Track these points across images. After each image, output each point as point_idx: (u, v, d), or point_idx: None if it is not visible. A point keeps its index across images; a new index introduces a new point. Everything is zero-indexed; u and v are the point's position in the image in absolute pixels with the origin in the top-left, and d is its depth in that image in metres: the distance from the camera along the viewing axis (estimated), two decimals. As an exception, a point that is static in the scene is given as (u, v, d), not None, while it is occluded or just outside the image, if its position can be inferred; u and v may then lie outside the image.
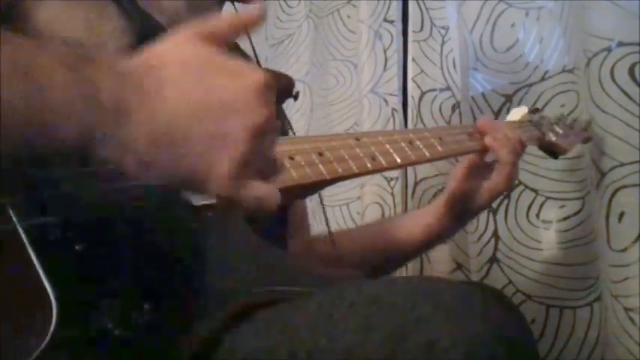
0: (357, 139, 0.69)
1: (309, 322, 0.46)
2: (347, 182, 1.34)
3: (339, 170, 0.65)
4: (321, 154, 0.65)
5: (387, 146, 0.71)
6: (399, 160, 0.71)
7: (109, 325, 0.42)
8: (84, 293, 0.43)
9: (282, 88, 0.73)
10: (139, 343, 0.44)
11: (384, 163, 0.69)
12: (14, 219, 0.42)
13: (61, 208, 0.45)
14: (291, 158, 0.63)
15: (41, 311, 0.40)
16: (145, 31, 0.67)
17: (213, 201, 0.54)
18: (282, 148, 0.62)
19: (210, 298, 0.50)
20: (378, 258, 0.89)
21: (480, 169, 0.84)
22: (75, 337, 0.41)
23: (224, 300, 0.50)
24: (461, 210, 0.86)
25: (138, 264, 0.47)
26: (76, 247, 0.44)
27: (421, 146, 0.75)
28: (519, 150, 0.84)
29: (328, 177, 0.63)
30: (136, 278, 0.47)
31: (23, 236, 0.42)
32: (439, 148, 0.77)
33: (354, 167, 0.66)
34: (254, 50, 0.90)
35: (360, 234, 0.97)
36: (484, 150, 0.83)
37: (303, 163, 0.63)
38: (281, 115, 0.81)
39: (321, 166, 0.64)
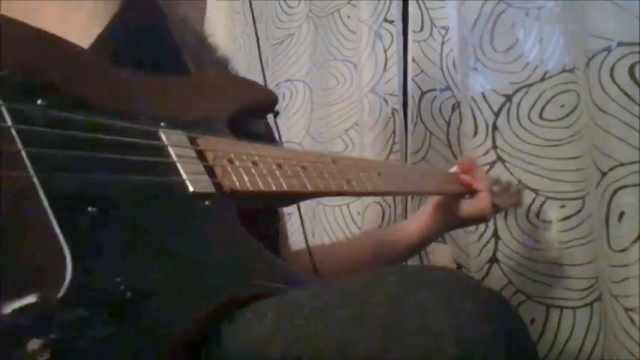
0: (334, 162, 0.74)
1: (304, 310, 0.46)
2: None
3: (320, 186, 0.69)
4: (304, 168, 0.69)
5: (361, 174, 0.77)
6: (370, 188, 0.78)
7: (121, 287, 0.43)
8: (97, 253, 0.45)
9: (264, 103, 0.76)
10: (146, 313, 0.45)
11: (357, 187, 0.75)
12: (30, 169, 0.45)
13: (77, 170, 0.48)
14: (279, 166, 0.66)
15: (54, 266, 0.41)
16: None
17: (212, 190, 0.57)
18: (271, 154, 0.66)
19: (206, 283, 0.51)
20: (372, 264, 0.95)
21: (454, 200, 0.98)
22: (89, 293, 0.42)
23: (218, 289, 0.51)
24: (442, 222, 0.98)
25: (140, 241, 0.49)
26: (89, 209, 0.46)
27: (389, 179, 0.83)
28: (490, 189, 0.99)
29: (311, 189, 0.68)
30: (140, 254, 0.48)
31: (40, 189, 0.44)
32: (403, 184, 0.87)
33: (333, 186, 0.71)
34: (259, 49, 0.92)
35: (356, 244, 1.02)
36: (456, 194, 0.97)
37: (289, 173, 0.66)
38: (263, 127, 0.83)
39: (305, 179, 0.67)
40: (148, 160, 0.54)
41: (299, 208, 0.90)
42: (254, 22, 0.98)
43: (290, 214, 1.44)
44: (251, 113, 0.74)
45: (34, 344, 0.37)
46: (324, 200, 1.36)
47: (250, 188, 0.61)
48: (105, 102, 0.56)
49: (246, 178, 0.61)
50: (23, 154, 0.45)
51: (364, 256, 0.96)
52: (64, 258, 0.42)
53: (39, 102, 0.49)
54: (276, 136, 0.85)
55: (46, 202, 0.44)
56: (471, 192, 0.98)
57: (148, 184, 0.52)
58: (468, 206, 0.97)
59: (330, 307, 0.45)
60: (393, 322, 0.42)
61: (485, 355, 0.40)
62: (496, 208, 1.00)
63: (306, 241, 0.88)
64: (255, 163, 0.63)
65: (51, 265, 0.42)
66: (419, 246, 1.01)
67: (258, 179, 0.62)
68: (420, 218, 1.00)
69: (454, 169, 1.01)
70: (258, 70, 1.61)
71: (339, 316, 0.44)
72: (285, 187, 0.64)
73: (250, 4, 0.93)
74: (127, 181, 0.50)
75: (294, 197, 0.72)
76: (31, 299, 0.37)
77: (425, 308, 0.42)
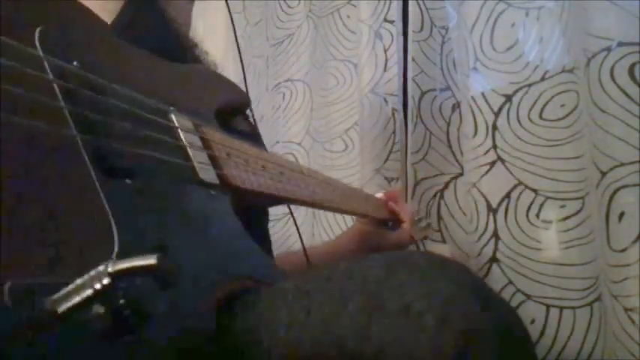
0: (303, 173, 0.79)
1: (287, 298, 0.47)
2: (347, 183, 1.34)
3: (297, 193, 0.73)
4: (281, 174, 0.71)
5: (322, 187, 0.82)
6: (333, 203, 0.84)
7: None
8: (135, 222, 0.45)
9: (237, 104, 0.79)
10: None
11: (320, 199, 0.80)
12: (77, 134, 0.44)
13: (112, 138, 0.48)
14: (264, 168, 0.68)
15: (102, 228, 0.42)
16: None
17: (216, 182, 0.58)
18: (255, 154, 0.68)
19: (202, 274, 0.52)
20: None
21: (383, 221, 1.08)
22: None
23: (211, 280, 0.52)
24: (369, 245, 1.06)
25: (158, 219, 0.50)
26: (127, 181, 0.47)
27: (340, 196, 0.89)
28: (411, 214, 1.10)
29: (288, 196, 0.72)
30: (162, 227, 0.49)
31: (85, 155, 0.44)
32: (349, 202, 0.93)
33: (305, 195, 0.75)
34: (240, 52, 0.94)
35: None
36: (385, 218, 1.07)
37: (273, 177, 0.69)
38: (244, 123, 0.85)
39: (285, 185, 0.70)
40: (164, 139, 0.55)
41: (291, 212, 0.93)
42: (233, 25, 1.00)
43: (288, 214, 1.44)
44: (230, 110, 0.76)
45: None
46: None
47: (246, 186, 0.62)
48: (124, 76, 0.56)
49: (242, 175, 0.62)
50: (65, 112, 0.45)
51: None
52: (110, 226, 0.42)
53: (75, 63, 0.49)
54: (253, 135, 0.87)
55: (91, 170, 0.44)
56: (395, 221, 1.08)
57: (163, 162, 0.53)
58: (392, 236, 1.07)
59: (314, 293, 0.46)
60: (373, 303, 0.42)
61: (465, 330, 0.40)
62: (411, 239, 1.09)
63: (302, 242, 0.90)
64: (246, 161, 0.65)
65: (98, 232, 0.42)
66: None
67: (251, 178, 0.64)
68: (338, 240, 1.10)
69: (379, 195, 1.10)
70: (259, 70, 1.61)
71: (322, 300, 0.45)
72: (272, 190, 0.67)
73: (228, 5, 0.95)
74: (147, 157, 0.51)
75: (272, 201, 0.76)
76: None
77: (405, 289, 0.42)
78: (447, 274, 0.44)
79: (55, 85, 0.45)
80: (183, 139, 0.57)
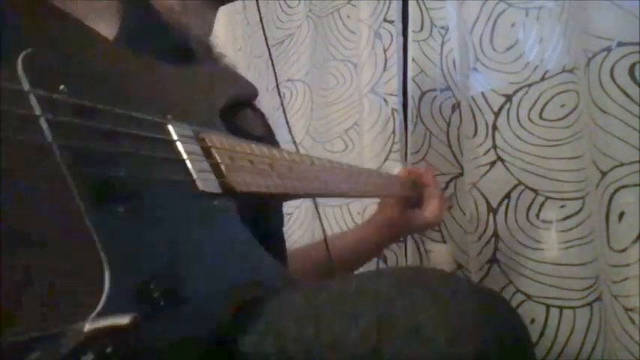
0: (313, 164, 0.76)
1: (296, 313, 0.47)
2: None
3: (307, 188, 0.71)
4: (291, 169, 0.70)
5: (335, 176, 0.80)
6: (345, 190, 0.82)
7: (155, 294, 0.43)
8: (129, 254, 0.44)
9: (244, 97, 0.77)
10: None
11: (332, 189, 0.78)
12: (64, 167, 0.43)
13: (102, 164, 0.46)
14: (271, 166, 0.66)
15: (92, 266, 0.40)
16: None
17: (218, 190, 0.57)
18: (262, 152, 0.66)
19: (217, 284, 0.51)
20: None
21: (406, 201, 1.05)
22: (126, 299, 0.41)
23: (221, 292, 0.51)
24: (399, 231, 1.05)
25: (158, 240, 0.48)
26: (119, 209, 0.45)
27: (355, 182, 0.87)
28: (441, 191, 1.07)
29: (302, 192, 0.71)
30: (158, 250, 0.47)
31: (73, 187, 0.42)
32: (366, 187, 0.90)
33: (315, 187, 0.74)
34: (268, 47, 0.92)
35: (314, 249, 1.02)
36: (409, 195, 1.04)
37: (281, 175, 0.67)
38: (252, 115, 0.83)
39: (294, 181, 0.69)
40: (160, 156, 0.53)
41: (316, 208, 0.91)
42: (261, 20, 0.97)
43: (290, 214, 1.44)
44: (236, 105, 0.74)
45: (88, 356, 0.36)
46: (324, 200, 1.36)
47: (251, 189, 0.61)
48: (118, 90, 0.55)
49: (247, 179, 0.61)
50: (54, 147, 0.43)
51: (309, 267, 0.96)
52: (100, 264, 0.40)
53: (61, 87, 0.47)
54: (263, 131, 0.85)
55: (80, 202, 0.42)
56: (420, 196, 1.04)
57: (159, 181, 0.51)
58: (420, 216, 1.03)
59: (324, 308, 0.45)
60: (384, 322, 0.42)
61: (476, 352, 0.40)
62: (441, 214, 1.06)
63: (325, 236, 0.89)
64: (251, 162, 0.63)
65: (87, 271, 0.40)
66: (358, 257, 1.04)
67: (257, 180, 0.62)
68: (363, 230, 1.05)
69: (398, 171, 1.08)
70: (260, 70, 1.61)
71: (332, 316, 0.44)
72: (280, 189, 0.65)
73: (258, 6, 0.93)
74: (142, 178, 0.50)
75: (283, 198, 0.74)
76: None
77: (416, 309, 0.42)
78: (458, 293, 0.43)
79: (42, 119, 0.43)
80: (182, 152, 0.55)
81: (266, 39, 0.94)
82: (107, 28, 0.66)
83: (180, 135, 0.57)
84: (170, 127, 0.56)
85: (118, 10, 0.69)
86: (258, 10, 0.93)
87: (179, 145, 0.56)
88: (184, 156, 0.55)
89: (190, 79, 0.68)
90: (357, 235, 1.06)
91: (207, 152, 0.58)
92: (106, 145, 0.48)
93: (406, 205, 1.05)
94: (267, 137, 0.84)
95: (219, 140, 0.61)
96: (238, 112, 0.76)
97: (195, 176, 0.55)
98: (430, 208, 1.04)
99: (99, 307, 0.38)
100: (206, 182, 0.56)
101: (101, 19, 0.67)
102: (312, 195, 0.76)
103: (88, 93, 0.49)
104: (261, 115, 0.85)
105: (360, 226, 1.10)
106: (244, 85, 0.78)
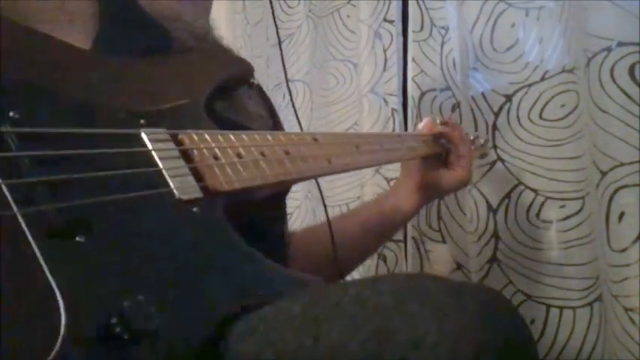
0: (315, 140, 0.72)
1: (294, 323, 0.46)
2: (347, 182, 1.34)
3: (304, 170, 0.67)
4: (287, 153, 0.65)
5: (341, 149, 0.75)
6: (351, 164, 0.77)
7: (117, 329, 0.41)
8: (90, 289, 0.42)
9: (241, 74, 0.74)
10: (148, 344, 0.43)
11: (338, 166, 0.72)
12: (14, 206, 0.41)
13: (59, 196, 0.44)
14: (263, 155, 0.62)
15: (47, 309, 0.39)
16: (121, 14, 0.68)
17: (199, 195, 0.53)
18: (253, 142, 0.62)
19: (198, 299, 0.49)
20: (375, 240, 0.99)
21: (432, 161, 0.98)
22: (86, 338, 0.40)
23: (209, 303, 0.49)
24: (430, 194, 0.99)
25: (131, 259, 0.46)
26: (77, 239, 0.43)
27: (367, 152, 0.81)
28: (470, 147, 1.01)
29: (296, 176, 0.66)
30: (131, 275, 0.45)
31: (24, 226, 0.40)
32: (381, 155, 0.86)
33: (316, 168, 0.69)
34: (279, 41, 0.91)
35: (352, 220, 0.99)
36: (434, 154, 0.97)
37: (274, 162, 0.63)
38: (248, 94, 0.80)
39: (289, 166, 0.65)
40: (133, 171, 0.50)
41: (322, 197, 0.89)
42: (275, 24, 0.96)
43: (290, 214, 1.43)
44: (227, 87, 0.71)
45: None
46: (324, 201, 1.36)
47: (241, 186, 0.58)
48: (82, 98, 0.52)
49: (233, 176, 0.57)
50: (4, 188, 0.40)
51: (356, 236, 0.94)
52: (55, 301, 0.39)
53: (11, 114, 0.44)
54: (258, 110, 0.82)
55: (33, 244, 0.40)
56: (447, 151, 0.98)
57: (134, 199, 0.48)
58: (449, 176, 0.97)
59: (322, 319, 0.45)
60: (383, 333, 0.41)
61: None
62: (470, 175, 1.00)
63: (328, 221, 0.86)
64: (239, 156, 0.60)
65: (44, 307, 0.39)
66: (390, 225, 1.01)
67: (244, 174, 0.59)
68: (405, 196, 0.98)
69: (422, 126, 1.01)
70: (260, 70, 1.61)
71: (330, 328, 0.44)
72: (271, 178, 0.61)
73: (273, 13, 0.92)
74: (113, 200, 0.47)
75: (280, 185, 0.69)
76: None
77: (416, 320, 0.41)
78: (459, 302, 0.43)
79: None
80: (159, 162, 0.52)
81: (277, 32, 0.91)
82: (83, 28, 0.64)
83: (154, 141, 0.53)
84: (144, 135, 0.53)
85: (95, 8, 0.67)
86: (271, 5, 0.91)
87: (154, 154, 0.52)
88: (160, 165, 0.52)
89: (170, 74, 0.65)
90: (383, 208, 0.98)
91: (186, 155, 0.55)
92: (64, 171, 0.44)
93: (433, 165, 0.98)
94: (266, 113, 0.81)
95: (201, 138, 0.57)
96: (233, 92, 0.73)
97: (172, 184, 0.52)
98: (460, 167, 0.97)
99: (52, 354, 0.37)
100: (185, 189, 0.52)
101: (77, 19, 0.64)
102: (317, 175, 0.71)
103: (46, 117, 0.46)
104: (258, 90, 0.82)
105: (384, 197, 1.03)
106: (236, 64, 0.75)
